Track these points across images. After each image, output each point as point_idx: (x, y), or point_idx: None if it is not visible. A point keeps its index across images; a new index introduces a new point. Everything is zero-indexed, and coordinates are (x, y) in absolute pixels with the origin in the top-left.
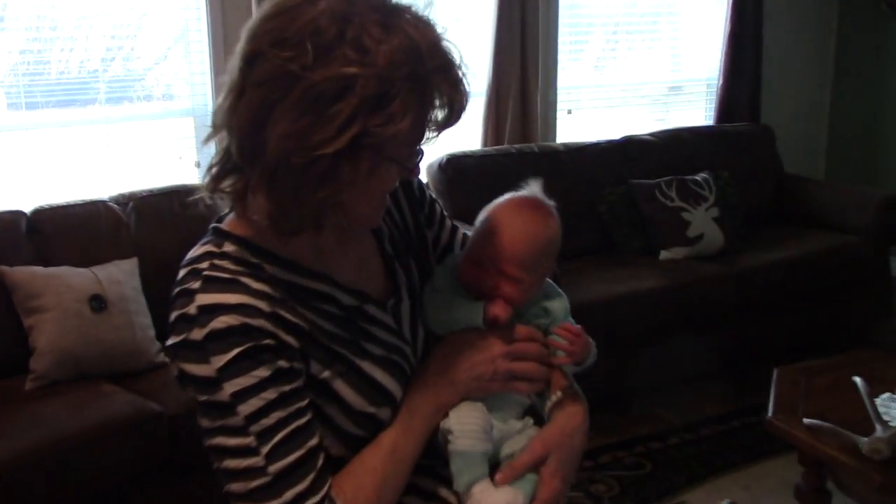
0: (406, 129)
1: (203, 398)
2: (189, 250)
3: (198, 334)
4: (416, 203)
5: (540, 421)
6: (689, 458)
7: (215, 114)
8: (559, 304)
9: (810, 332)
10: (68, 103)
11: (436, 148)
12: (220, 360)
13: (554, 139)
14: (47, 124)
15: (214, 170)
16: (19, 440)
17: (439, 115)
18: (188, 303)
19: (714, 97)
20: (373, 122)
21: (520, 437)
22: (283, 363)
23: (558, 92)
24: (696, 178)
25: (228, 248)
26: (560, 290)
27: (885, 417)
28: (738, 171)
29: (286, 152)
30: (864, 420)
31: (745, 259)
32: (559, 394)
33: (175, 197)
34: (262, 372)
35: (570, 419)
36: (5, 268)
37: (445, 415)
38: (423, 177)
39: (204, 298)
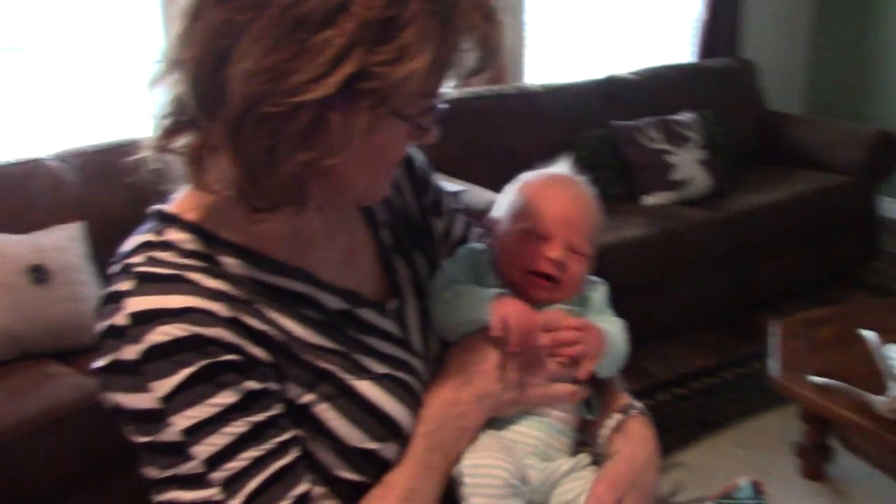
0: (421, 70)
1: (145, 439)
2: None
3: (131, 353)
4: (420, 185)
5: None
6: (681, 415)
7: (165, 48)
8: (599, 294)
9: (795, 275)
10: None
11: None
12: (164, 387)
13: (525, 79)
14: None
15: (165, 123)
16: None
17: (466, 56)
18: (116, 311)
19: (696, 32)
20: (375, 58)
21: (573, 481)
22: (252, 384)
23: (530, 28)
24: (680, 118)
25: (173, 235)
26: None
27: (894, 371)
28: (722, 109)
29: (255, 98)
30: (873, 375)
31: (733, 203)
32: (617, 416)
33: (124, 152)
34: (225, 398)
35: (638, 448)
36: None
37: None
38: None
39: (137, 303)
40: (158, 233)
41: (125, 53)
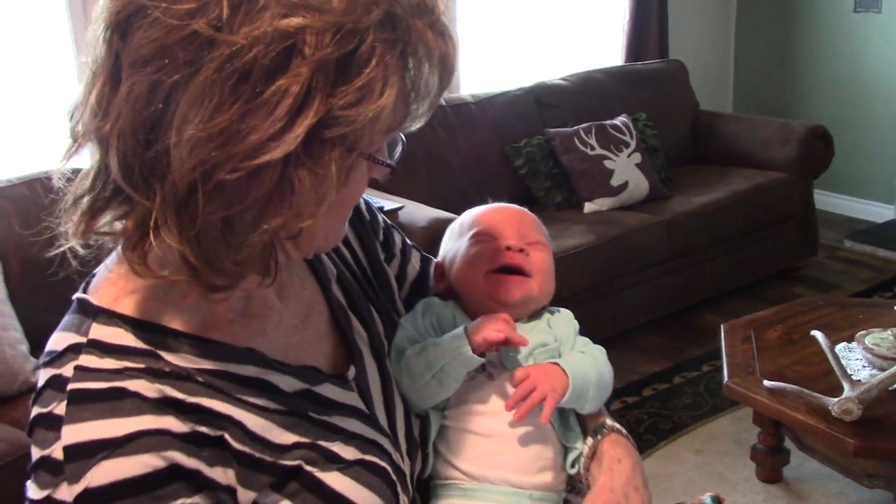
0: (390, 105)
1: None
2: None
3: (66, 494)
4: (367, 228)
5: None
6: (634, 424)
7: (74, 113)
8: (564, 323)
9: (737, 273)
10: None
11: None
12: None
13: (458, 90)
14: None
15: (84, 201)
16: None
17: (429, 80)
18: (51, 440)
19: (624, 35)
20: (337, 101)
21: None
22: None
23: (459, 39)
24: (616, 122)
25: (98, 332)
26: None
27: (848, 371)
28: (654, 111)
29: (207, 166)
30: (825, 375)
31: (672, 205)
32: (589, 441)
33: (41, 185)
34: None
35: (613, 472)
36: None
37: None
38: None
39: (72, 433)
40: (83, 331)
41: (40, 83)
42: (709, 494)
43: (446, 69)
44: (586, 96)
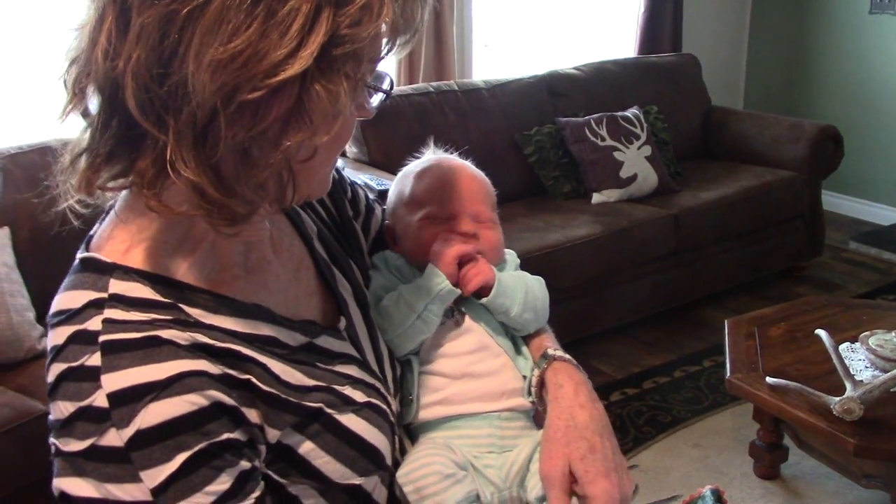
0: (385, 27)
1: None
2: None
3: (116, 439)
4: (337, 186)
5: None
6: (634, 416)
7: (73, 64)
8: (510, 260)
9: (741, 270)
10: None
11: None
12: (160, 475)
13: (470, 75)
14: None
15: (83, 159)
16: None
17: (413, 6)
18: (89, 391)
19: (638, 27)
20: (342, 20)
21: (536, 459)
22: (245, 464)
23: (473, 24)
24: (627, 114)
25: (118, 287)
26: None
27: (850, 371)
28: (666, 105)
29: (230, 88)
30: (827, 374)
31: (680, 199)
32: (536, 371)
33: (51, 153)
34: (220, 484)
35: (560, 398)
36: None
37: None
38: None
39: (114, 381)
40: (100, 287)
41: (45, 51)
42: (708, 487)
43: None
44: (598, 87)
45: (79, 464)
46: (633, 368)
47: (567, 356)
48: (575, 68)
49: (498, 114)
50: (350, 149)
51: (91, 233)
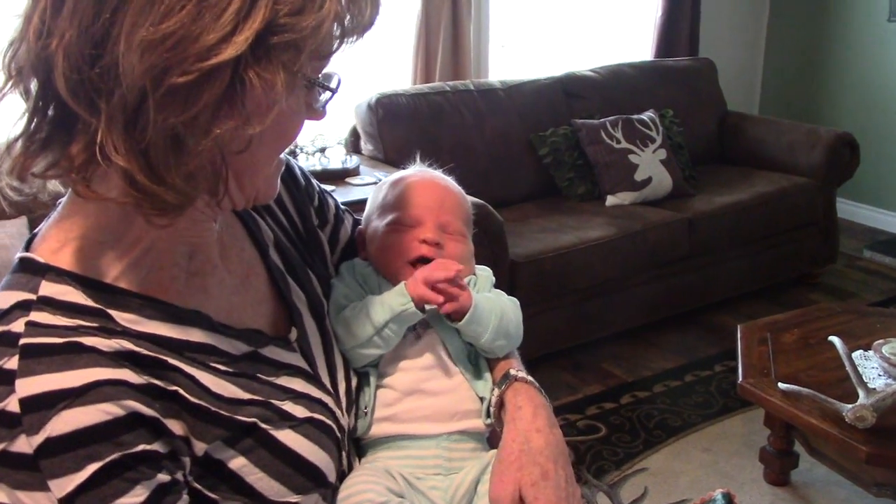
0: (329, 18)
1: None
2: None
3: (25, 445)
4: (302, 193)
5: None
6: (644, 419)
7: (10, 48)
8: (483, 277)
9: (754, 276)
10: None
11: (363, 87)
12: (68, 485)
13: (487, 75)
14: None
15: (18, 144)
16: None
17: (362, 3)
18: (3, 395)
19: (655, 31)
20: (281, 7)
21: (486, 488)
22: (163, 477)
23: (490, 24)
24: (643, 117)
25: (48, 289)
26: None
27: (863, 378)
28: (682, 108)
29: (160, 69)
30: (840, 381)
31: (695, 203)
32: (495, 391)
33: None
34: (135, 496)
35: (518, 420)
36: None
37: None
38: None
39: (28, 386)
40: (31, 288)
41: None
42: (719, 490)
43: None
44: (614, 89)
45: None
46: (644, 372)
47: (529, 378)
48: (591, 70)
49: (513, 114)
50: (366, 146)
51: (34, 231)
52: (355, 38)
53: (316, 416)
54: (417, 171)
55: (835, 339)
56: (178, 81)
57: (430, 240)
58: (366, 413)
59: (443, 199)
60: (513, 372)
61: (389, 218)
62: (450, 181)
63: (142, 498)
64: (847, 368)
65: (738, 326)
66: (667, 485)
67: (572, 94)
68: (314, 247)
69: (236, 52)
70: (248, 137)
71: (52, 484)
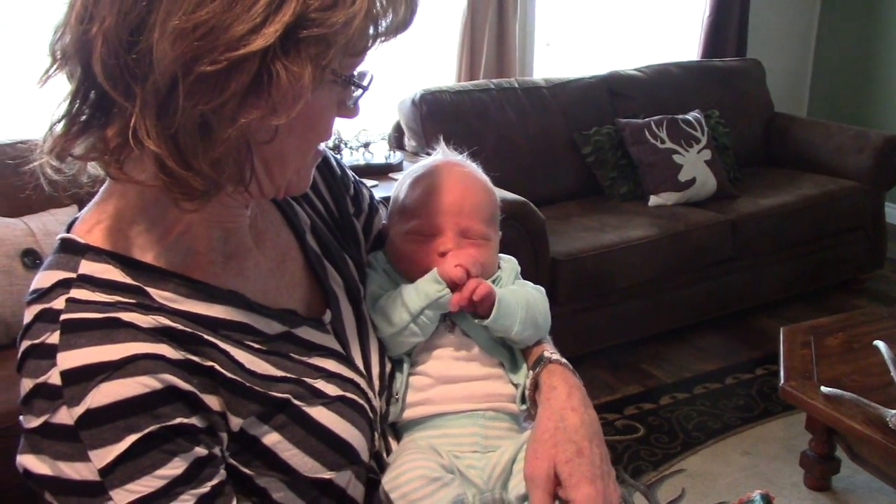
0: (361, 15)
1: None
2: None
3: (66, 417)
4: (338, 182)
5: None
6: (683, 421)
7: (56, 32)
8: (507, 269)
9: (799, 280)
10: None
11: (407, 83)
12: (107, 455)
13: (531, 73)
14: None
15: (60, 125)
16: None
17: (397, 4)
18: (45, 368)
19: (702, 31)
20: (313, 1)
21: (520, 459)
22: (200, 450)
23: (536, 22)
24: (688, 117)
25: (89, 268)
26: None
27: None
28: (728, 109)
29: (190, 57)
30: (885, 387)
31: (739, 205)
32: (529, 374)
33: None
34: (172, 469)
35: (553, 400)
36: None
37: None
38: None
39: (69, 359)
40: (71, 267)
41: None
42: (758, 492)
43: (409, 5)
44: (660, 89)
45: (35, 441)
46: (685, 373)
47: (563, 360)
48: (637, 69)
49: (557, 113)
50: (409, 142)
51: (76, 215)
52: (389, 37)
53: (348, 394)
54: (439, 164)
55: (880, 344)
56: (208, 70)
57: (447, 252)
58: (397, 399)
59: (462, 201)
60: (546, 354)
61: (409, 226)
62: (472, 172)
63: (180, 470)
64: (892, 373)
65: (781, 329)
66: (705, 486)
67: (617, 93)
68: (350, 234)
69: (265, 43)
70: (273, 128)
71: (92, 454)
